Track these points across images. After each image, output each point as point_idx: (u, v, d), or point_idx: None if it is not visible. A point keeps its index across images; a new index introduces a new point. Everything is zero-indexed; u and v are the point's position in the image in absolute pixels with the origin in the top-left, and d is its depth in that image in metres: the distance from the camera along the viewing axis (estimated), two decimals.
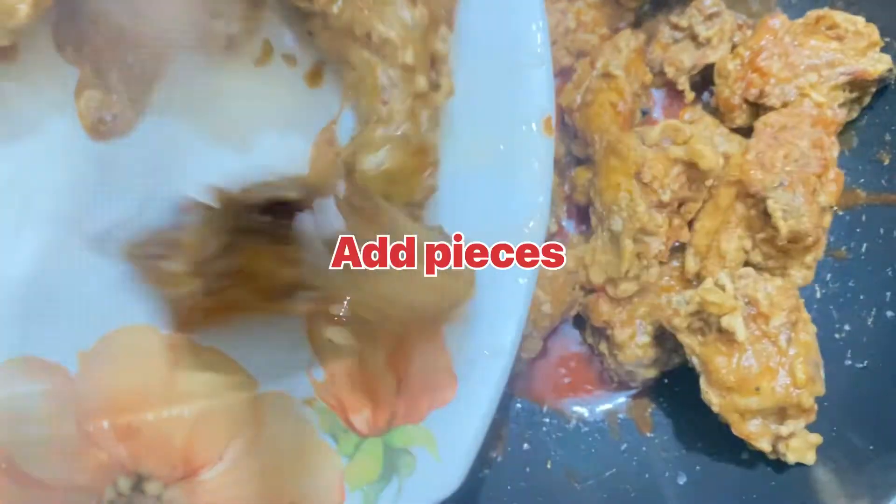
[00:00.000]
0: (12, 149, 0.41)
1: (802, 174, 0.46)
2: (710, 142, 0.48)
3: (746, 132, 0.53)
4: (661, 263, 0.49)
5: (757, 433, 0.44)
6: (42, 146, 0.41)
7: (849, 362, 0.49)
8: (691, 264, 0.49)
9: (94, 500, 0.39)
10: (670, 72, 0.55)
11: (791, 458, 0.44)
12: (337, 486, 0.40)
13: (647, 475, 0.51)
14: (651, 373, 0.51)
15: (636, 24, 0.57)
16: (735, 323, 0.43)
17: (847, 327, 0.50)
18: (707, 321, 0.44)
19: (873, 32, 0.49)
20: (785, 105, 0.50)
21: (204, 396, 0.41)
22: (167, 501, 0.40)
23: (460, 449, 0.40)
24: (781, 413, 0.44)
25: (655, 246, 0.47)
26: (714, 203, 0.49)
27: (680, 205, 0.49)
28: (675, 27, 0.56)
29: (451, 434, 0.40)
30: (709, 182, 0.48)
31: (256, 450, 0.41)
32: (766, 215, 0.47)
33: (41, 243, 0.41)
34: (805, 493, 0.46)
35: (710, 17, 0.54)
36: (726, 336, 0.43)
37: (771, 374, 0.43)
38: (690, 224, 0.50)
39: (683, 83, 0.56)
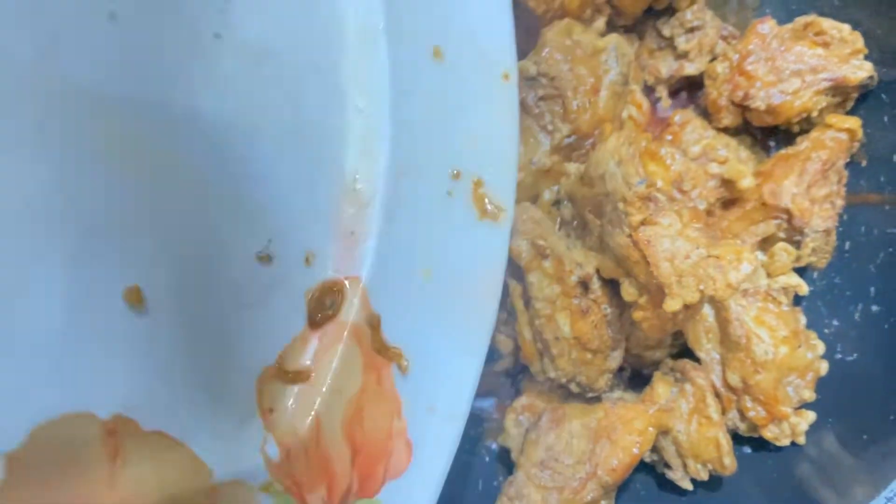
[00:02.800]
0: None
1: (834, 219, 0.50)
2: (743, 162, 0.52)
3: (733, 133, 0.55)
4: None
5: (783, 395, 0.48)
6: None
7: (839, 356, 0.51)
8: None
9: None
10: (649, 79, 0.56)
11: (799, 430, 0.48)
12: None
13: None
14: (658, 354, 0.52)
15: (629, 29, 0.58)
16: (797, 279, 0.49)
17: (835, 322, 0.52)
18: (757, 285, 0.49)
19: (858, 40, 0.50)
20: (770, 108, 0.52)
21: (152, 491, 0.35)
22: None
23: None
24: (802, 377, 0.48)
25: None
26: (747, 213, 0.50)
27: None
28: (660, 35, 0.57)
29: None
30: (736, 197, 0.51)
31: None
32: (793, 242, 0.50)
33: None
34: (805, 482, 0.47)
35: (690, 29, 0.55)
36: (775, 299, 0.49)
37: (802, 339, 0.49)
38: None
39: (661, 91, 0.57)
